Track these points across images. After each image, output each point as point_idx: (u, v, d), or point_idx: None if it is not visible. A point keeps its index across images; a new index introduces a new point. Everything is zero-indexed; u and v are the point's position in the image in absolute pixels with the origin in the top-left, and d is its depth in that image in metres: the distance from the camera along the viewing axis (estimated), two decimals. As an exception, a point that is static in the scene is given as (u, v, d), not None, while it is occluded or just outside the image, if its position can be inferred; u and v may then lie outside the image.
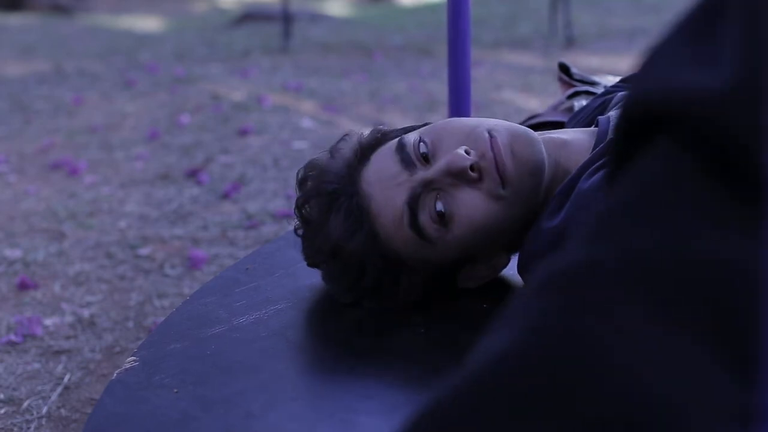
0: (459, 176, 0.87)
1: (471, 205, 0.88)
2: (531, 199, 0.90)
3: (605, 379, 0.32)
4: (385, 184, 0.90)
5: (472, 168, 0.86)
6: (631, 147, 0.37)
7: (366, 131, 0.97)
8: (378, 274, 0.92)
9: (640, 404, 0.31)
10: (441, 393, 0.36)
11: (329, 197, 0.91)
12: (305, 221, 0.95)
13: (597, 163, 0.86)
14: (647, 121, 0.36)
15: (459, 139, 0.90)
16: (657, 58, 0.37)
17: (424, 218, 0.88)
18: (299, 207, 0.95)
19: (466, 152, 0.87)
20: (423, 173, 0.89)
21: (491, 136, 0.88)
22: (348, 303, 0.96)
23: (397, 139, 0.93)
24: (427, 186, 0.88)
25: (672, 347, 0.32)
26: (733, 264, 0.32)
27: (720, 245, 0.32)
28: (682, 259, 0.33)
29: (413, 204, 0.88)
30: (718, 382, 0.31)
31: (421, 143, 0.91)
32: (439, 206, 0.88)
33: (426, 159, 0.90)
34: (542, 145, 0.90)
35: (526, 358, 0.34)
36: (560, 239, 0.85)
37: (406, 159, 0.90)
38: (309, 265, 0.98)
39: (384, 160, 0.92)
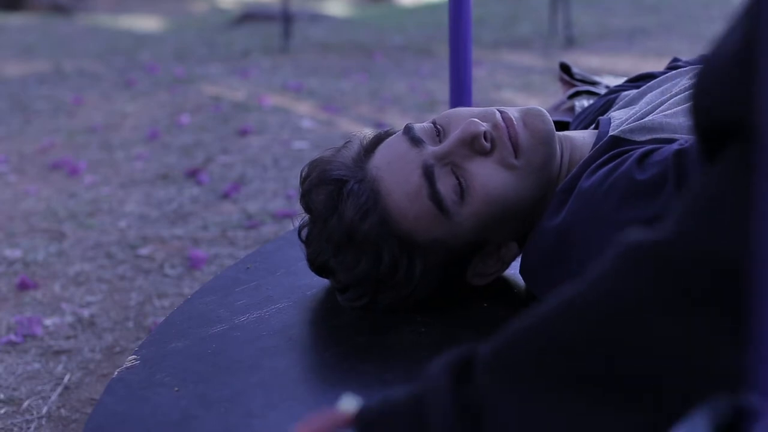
0: (473, 145, 0.88)
1: (485, 175, 0.88)
2: (544, 172, 0.90)
3: (641, 342, 0.43)
4: (395, 163, 0.90)
5: (485, 137, 0.87)
6: (709, 148, 0.46)
7: (368, 132, 0.98)
8: (394, 258, 0.90)
9: (668, 367, 0.42)
10: (515, 326, 0.49)
11: (336, 183, 0.90)
12: (311, 212, 0.93)
13: (597, 162, 0.86)
14: (719, 128, 0.44)
15: (469, 118, 0.91)
16: (717, 73, 0.45)
17: (442, 188, 0.88)
18: (304, 198, 0.94)
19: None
20: (434, 148, 0.89)
21: (501, 111, 0.90)
22: (362, 306, 0.94)
23: (403, 127, 0.94)
24: (441, 159, 0.88)
25: (699, 323, 0.42)
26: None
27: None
28: (731, 254, 0.41)
29: (429, 175, 0.88)
30: (726, 353, 0.41)
31: (431, 124, 0.92)
32: (455, 179, 0.88)
33: (437, 139, 0.91)
34: (550, 117, 0.91)
35: (588, 306, 0.45)
36: (565, 237, 0.85)
37: (415, 138, 0.90)
38: (316, 269, 0.96)
39: (391, 144, 0.93)
